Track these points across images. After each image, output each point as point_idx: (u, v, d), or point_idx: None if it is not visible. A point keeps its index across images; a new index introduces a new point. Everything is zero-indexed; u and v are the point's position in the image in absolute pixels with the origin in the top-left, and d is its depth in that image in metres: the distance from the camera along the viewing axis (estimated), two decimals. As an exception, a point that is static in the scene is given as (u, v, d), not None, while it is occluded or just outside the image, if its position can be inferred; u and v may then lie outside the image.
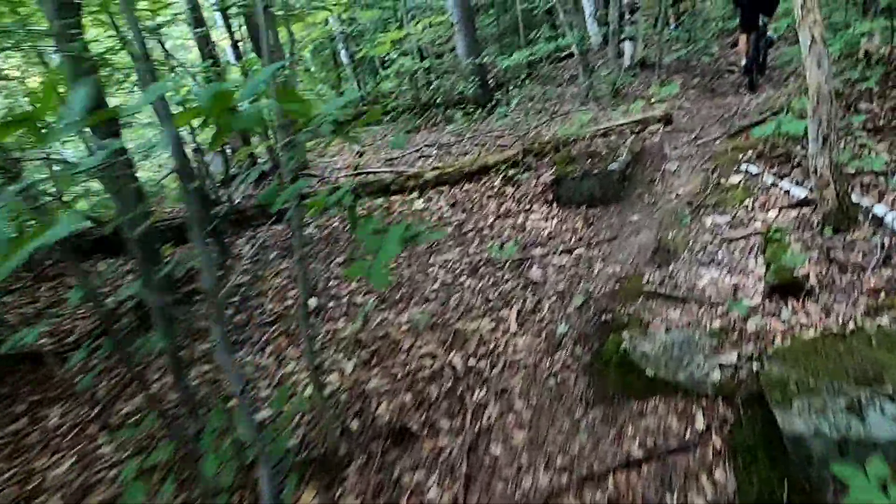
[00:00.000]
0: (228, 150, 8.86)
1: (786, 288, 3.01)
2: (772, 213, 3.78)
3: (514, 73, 10.67)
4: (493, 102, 8.93)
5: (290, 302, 4.41)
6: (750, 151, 4.51)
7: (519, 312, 3.69)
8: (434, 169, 5.96)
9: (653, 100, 7.15)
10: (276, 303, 4.44)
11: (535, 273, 4.11)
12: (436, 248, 4.84)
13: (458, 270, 4.40)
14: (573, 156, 5.26)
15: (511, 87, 10.77)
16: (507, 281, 4.10)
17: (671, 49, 9.65)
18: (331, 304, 4.30)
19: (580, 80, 8.54)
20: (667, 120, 5.66)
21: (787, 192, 3.88)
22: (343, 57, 12.80)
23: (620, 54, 8.85)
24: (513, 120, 7.92)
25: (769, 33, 6.84)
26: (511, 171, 5.54)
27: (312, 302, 4.36)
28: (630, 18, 8.99)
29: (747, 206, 3.95)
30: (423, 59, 10.38)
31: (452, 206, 5.45)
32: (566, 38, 7.69)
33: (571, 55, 11.23)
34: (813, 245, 3.28)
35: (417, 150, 7.73)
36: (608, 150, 5.10)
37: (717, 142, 4.98)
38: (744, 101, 6.80)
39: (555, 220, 4.71)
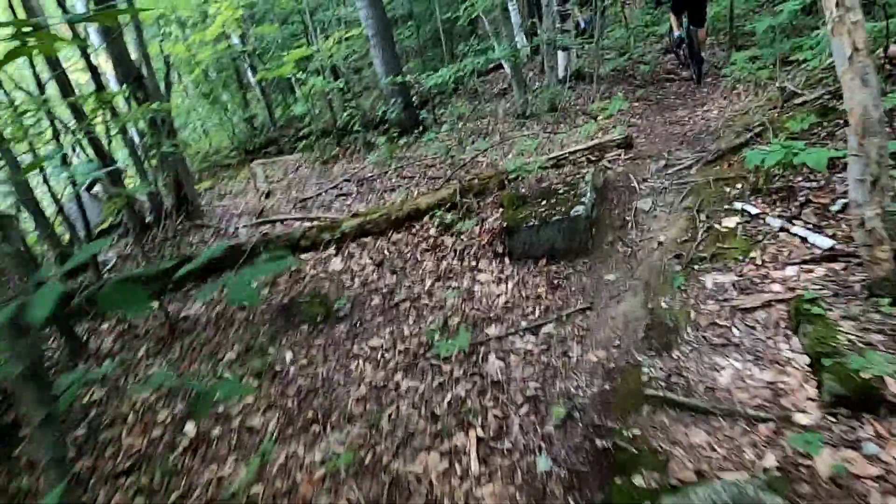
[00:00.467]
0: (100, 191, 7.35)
1: (856, 400, 2.12)
2: (790, 271, 2.93)
3: (440, 88, 9.71)
4: (420, 125, 7.90)
5: (157, 432, 3.14)
6: (739, 184, 3.69)
7: (479, 439, 2.63)
8: (354, 216, 4.83)
9: (598, 116, 6.36)
10: (137, 434, 3.16)
11: (493, 366, 3.07)
12: (360, 328, 3.71)
13: (392, 364, 3.30)
14: (523, 194, 4.29)
15: (438, 105, 9.81)
16: (458, 381, 3.03)
17: (605, 59, 9.00)
18: (216, 429, 3.08)
19: (514, 95, 7.67)
20: (626, 144, 4.81)
21: (804, 240, 3.04)
22: (251, 77, 11.38)
23: (553, 66, 8.06)
24: (445, 145, 6.92)
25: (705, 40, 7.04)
26: (449, 216, 4.50)
27: (190, 428, 3.12)
28: (561, 27, 8.24)
29: (755, 260, 3.09)
30: (337, 77, 9.23)
31: (379, 265, 4.34)
32: (496, 51, 6.78)
33: (498, 67, 10.44)
34: (868, 323, 2.42)
35: (335, 186, 6.56)
36: (565, 186, 4.16)
37: (693, 170, 4.16)
38: (697, 115, 6.13)
39: (510, 283, 3.70)
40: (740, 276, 3.05)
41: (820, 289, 2.71)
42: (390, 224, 4.70)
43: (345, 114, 8.48)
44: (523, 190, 4.35)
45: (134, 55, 5.86)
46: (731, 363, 2.59)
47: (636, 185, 4.20)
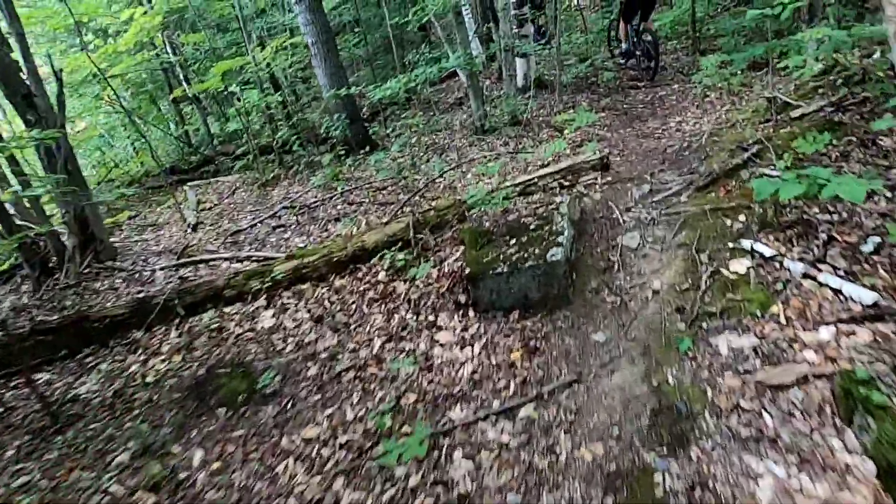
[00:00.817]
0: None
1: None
2: (825, 333, 2.34)
3: (392, 99, 8.99)
4: (370, 141, 7.17)
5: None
6: (743, 216, 3.12)
7: None
8: (289, 257, 4.06)
9: (564, 129, 5.77)
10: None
11: (459, 469, 2.37)
12: (291, 410, 2.96)
13: (330, 465, 2.56)
14: (487, 229, 3.63)
15: (389, 118, 9.11)
16: (415, 492, 2.32)
17: (566, 65, 8.48)
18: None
19: (472, 106, 7.03)
20: (603, 165, 4.20)
21: (837, 291, 2.47)
22: (188, 91, 10.41)
23: (512, 74, 7.46)
24: (397, 164, 6.22)
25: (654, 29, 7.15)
26: (401, 256, 3.79)
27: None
28: (519, 32, 7.67)
29: (777, 317, 2.50)
30: (278, 88, 8.40)
31: (318, 320, 3.59)
32: (450, 60, 6.13)
33: (453, 75, 9.82)
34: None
35: (274, 215, 5.76)
36: (537, 219, 3.52)
37: (684, 196, 3.57)
38: (671, 126, 5.62)
39: (476, 345, 3.02)
40: (761, 338, 2.45)
41: (871, 361, 2.13)
42: (332, 267, 3.96)
43: (286, 130, 7.69)
44: (487, 224, 3.69)
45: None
46: (770, 468, 1.97)
47: (619, 216, 3.59)
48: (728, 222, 3.13)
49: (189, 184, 8.57)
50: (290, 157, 7.66)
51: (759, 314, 2.55)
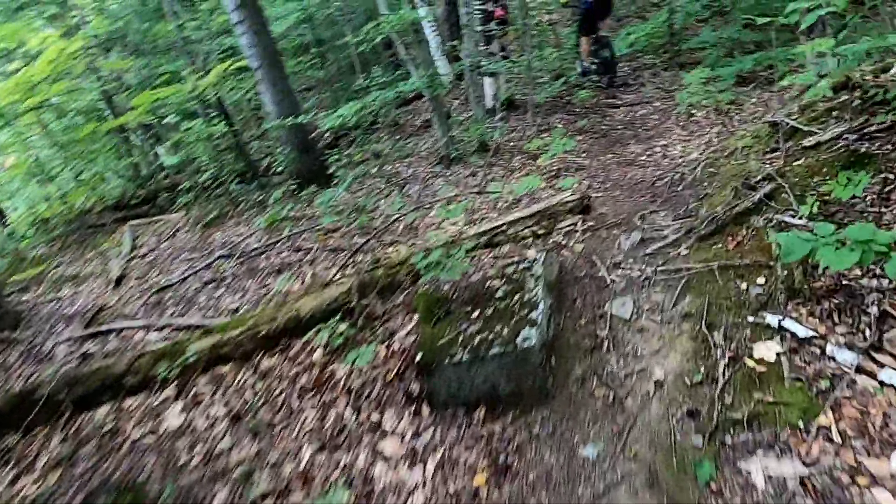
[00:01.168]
0: None
1: None
2: (902, 461, 1.69)
3: (358, 123, 8.29)
4: (325, 173, 6.46)
5: None
6: (762, 279, 2.47)
7: None
8: (206, 332, 3.32)
9: (539, 158, 5.14)
10: None
11: None
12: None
13: None
14: (445, 294, 2.94)
15: (355, 141, 8.43)
16: None
17: (538, 82, 7.91)
18: None
19: (436, 132, 6.39)
20: (583, 208, 3.55)
21: (908, 397, 1.82)
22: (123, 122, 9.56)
23: (479, 95, 6.82)
24: (353, 200, 5.53)
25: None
26: (342, 328, 3.07)
27: None
28: (487, 49, 7.07)
29: (829, 433, 1.84)
30: (227, 118, 7.67)
31: (236, 419, 2.85)
32: (409, 82, 5.46)
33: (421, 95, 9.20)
34: None
35: (209, 265, 5.00)
36: (505, 281, 2.84)
37: (683, 248, 2.92)
38: (656, 151, 5.03)
39: (430, 462, 2.31)
40: (809, 464, 1.79)
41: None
42: (259, 343, 3.23)
43: (233, 163, 6.97)
44: (446, 287, 3.01)
45: None
46: None
47: (605, 275, 2.93)
48: (743, 286, 2.49)
49: (132, 222, 7.77)
50: (238, 192, 6.90)
51: (801, 426, 1.89)
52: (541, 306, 2.53)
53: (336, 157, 7.14)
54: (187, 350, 3.21)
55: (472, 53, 6.33)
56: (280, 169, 6.47)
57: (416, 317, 3.00)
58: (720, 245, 2.78)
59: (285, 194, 5.97)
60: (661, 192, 3.75)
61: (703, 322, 2.40)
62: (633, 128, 5.97)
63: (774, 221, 2.63)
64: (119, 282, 5.13)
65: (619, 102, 7.02)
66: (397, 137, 8.58)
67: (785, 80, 3.67)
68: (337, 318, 3.17)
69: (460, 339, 2.52)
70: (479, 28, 6.87)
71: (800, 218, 2.55)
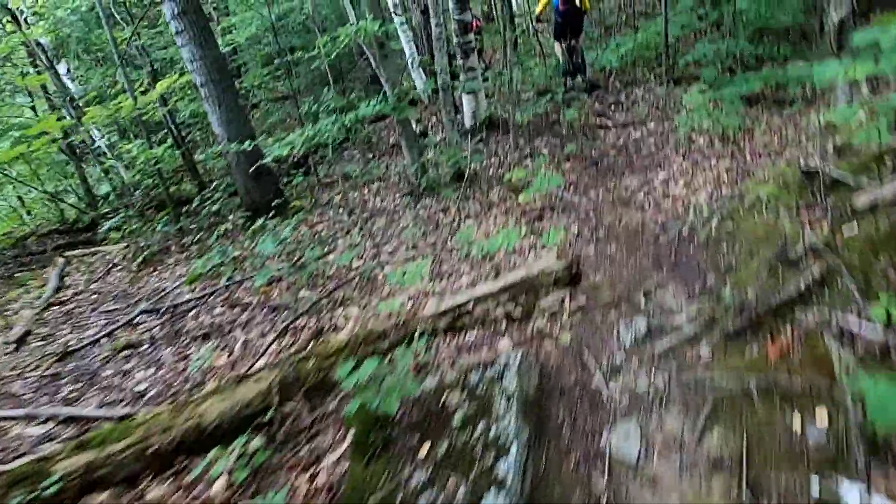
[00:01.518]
0: None
1: None
2: None
3: (330, 142, 7.49)
4: (281, 201, 5.68)
5: None
6: (824, 410, 1.75)
7: None
8: (80, 446, 2.54)
9: (521, 196, 4.42)
10: None
11: None
12: None
13: None
14: (386, 414, 2.18)
15: (321, 161, 7.69)
16: None
17: (521, 100, 7.21)
18: None
19: (405, 159, 5.65)
20: (572, 278, 2.80)
21: None
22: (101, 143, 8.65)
23: (452, 118, 6.08)
24: (309, 236, 4.78)
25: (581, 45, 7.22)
26: (255, 445, 2.31)
27: None
28: (465, 64, 6.35)
29: None
30: (180, 138, 6.88)
31: (97, 588, 2.07)
32: (370, 104, 4.69)
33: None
34: None
35: (130, 322, 4.21)
36: (468, 396, 2.10)
37: (705, 348, 2.19)
38: (654, 186, 4.33)
39: None
40: None
41: None
42: (147, 463, 2.45)
43: (178, 188, 6.18)
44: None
45: None
46: None
47: (602, 386, 2.19)
48: (796, 423, 1.76)
49: (68, 253, 6.94)
50: (187, 223, 6.11)
51: None
52: (513, 451, 1.78)
53: (301, 179, 6.39)
54: (53, 472, 2.43)
55: (444, 69, 5.61)
56: (218, 205, 5.64)
57: (350, 435, 2.24)
58: (756, 350, 2.06)
59: (227, 232, 5.21)
60: (667, 251, 3.03)
61: (744, 479, 1.67)
62: (626, 154, 5.27)
63: (833, 324, 1.92)
64: (22, 341, 4.31)
65: (611, 123, 6.33)
66: (370, 156, 7.84)
67: (818, 117, 2.98)
68: (251, 428, 2.41)
69: (398, 498, 1.77)
70: (457, 40, 6.17)
71: (869, 320, 1.84)
